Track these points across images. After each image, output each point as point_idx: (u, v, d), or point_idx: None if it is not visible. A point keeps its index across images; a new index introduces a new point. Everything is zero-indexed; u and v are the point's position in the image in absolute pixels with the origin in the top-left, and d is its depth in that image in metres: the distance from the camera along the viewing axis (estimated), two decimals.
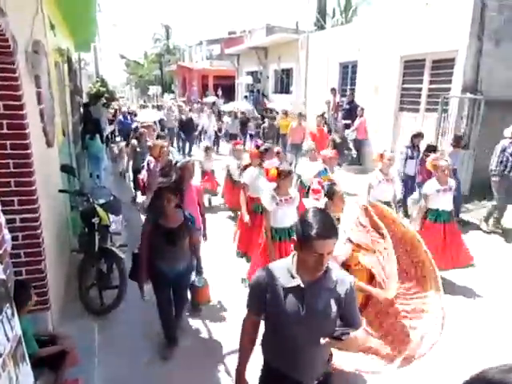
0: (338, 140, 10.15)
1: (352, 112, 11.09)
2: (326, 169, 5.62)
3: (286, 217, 4.06)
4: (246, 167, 5.67)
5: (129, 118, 14.95)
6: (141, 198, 7.47)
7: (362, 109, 10.65)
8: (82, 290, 4.14)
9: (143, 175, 6.52)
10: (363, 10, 24.11)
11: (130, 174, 8.63)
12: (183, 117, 13.39)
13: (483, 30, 7.72)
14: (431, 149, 6.68)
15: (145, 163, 6.52)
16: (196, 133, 14.30)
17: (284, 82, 16.19)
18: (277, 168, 4.14)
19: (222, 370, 3.43)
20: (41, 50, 3.81)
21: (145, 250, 3.39)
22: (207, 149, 7.95)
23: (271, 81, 17.10)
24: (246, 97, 18.73)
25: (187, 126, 13.11)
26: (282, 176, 4.02)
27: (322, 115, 12.05)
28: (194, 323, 4.11)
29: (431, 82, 9.00)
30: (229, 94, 22.03)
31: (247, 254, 5.12)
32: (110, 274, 4.29)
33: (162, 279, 3.44)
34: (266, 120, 14.18)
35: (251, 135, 14.39)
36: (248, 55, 18.41)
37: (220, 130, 14.75)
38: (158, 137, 8.24)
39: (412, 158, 7.19)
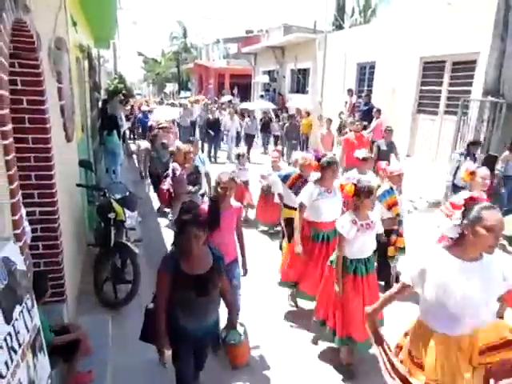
0: (384, 147, 8.05)
1: (369, 113, 10.97)
2: (391, 188, 4.56)
3: (364, 246, 3.34)
4: (295, 180, 4.73)
5: (149, 116, 14.40)
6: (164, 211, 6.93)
7: (379, 110, 10.53)
8: (97, 283, 4.20)
9: (168, 185, 5.80)
10: (382, 10, 23.81)
11: (149, 183, 7.95)
12: (210, 116, 12.79)
13: (507, 32, 7.53)
14: (492, 159, 6.14)
15: (169, 171, 5.79)
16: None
17: (300, 82, 16.12)
18: (355, 184, 3.33)
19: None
20: (63, 46, 3.87)
21: (164, 309, 2.58)
22: (240, 156, 7.12)
23: (288, 80, 17.04)
24: (261, 96, 18.72)
25: (213, 127, 12.49)
26: (363, 195, 3.24)
27: (339, 115, 12.03)
28: None
29: (451, 85, 8.85)
30: (245, 92, 22.05)
31: (297, 283, 4.21)
32: (125, 268, 4.35)
33: (187, 342, 2.68)
34: (282, 118, 13.99)
35: (275, 136, 14.09)
36: (265, 54, 18.39)
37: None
38: (188, 142, 6.97)
39: None
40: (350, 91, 12.03)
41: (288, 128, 11.78)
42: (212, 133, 12.49)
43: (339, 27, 18.32)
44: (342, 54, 12.63)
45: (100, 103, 11.02)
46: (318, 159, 4.12)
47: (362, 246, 3.32)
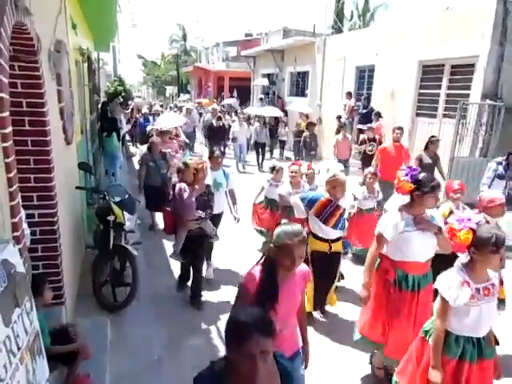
0: (428, 160, 6.68)
1: (368, 116, 11.00)
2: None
3: (481, 320, 2.31)
4: (322, 207, 3.78)
5: (151, 120, 13.38)
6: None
7: (378, 113, 10.56)
8: (96, 286, 4.19)
9: (173, 207, 4.41)
10: (381, 14, 23.94)
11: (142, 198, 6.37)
12: (214, 122, 12.05)
13: (505, 36, 7.58)
14: None
15: (175, 190, 4.29)
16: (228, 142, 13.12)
17: (300, 85, 16.16)
18: (473, 230, 2.24)
19: None
20: (62, 49, 3.88)
21: None
22: (276, 170, 5.75)
23: (287, 83, 17.08)
24: (261, 99, 18.74)
25: (217, 134, 11.69)
26: (487, 249, 2.18)
27: (338, 118, 12.05)
28: (205, 323, 4.12)
29: (450, 88, 8.88)
30: (244, 96, 22.08)
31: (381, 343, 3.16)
32: (124, 271, 4.34)
33: None
34: (284, 124, 13.61)
35: (281, 142, 13.59)
36: (264, 57, 18.44)
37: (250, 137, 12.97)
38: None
39: (502, 177, 6.00)
40: (348, 94, 12.06)
41: (307, 137, 10.52)
42: (208, 142, 11.82)
43: (338, 31, 18.39)
44: (341, 58, 12.67)
45: (99, 106, 11.03)
46: (415, 180, 2.92)
47: (478, 319, 2.30)
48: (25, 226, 2.38)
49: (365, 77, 12.07)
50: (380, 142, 8.72)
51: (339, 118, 12.10)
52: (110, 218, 4.18)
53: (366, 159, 8.67)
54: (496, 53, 7.66)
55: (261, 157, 12.51)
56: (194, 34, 37.26)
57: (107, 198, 4.41)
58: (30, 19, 2.57)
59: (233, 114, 15.43)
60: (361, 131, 11.26)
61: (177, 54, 37.55)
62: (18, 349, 1.48)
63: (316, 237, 3.90)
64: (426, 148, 6.84)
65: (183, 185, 4.25)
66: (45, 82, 2.99)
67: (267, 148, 13.39)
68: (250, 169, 12.36)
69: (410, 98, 9.85)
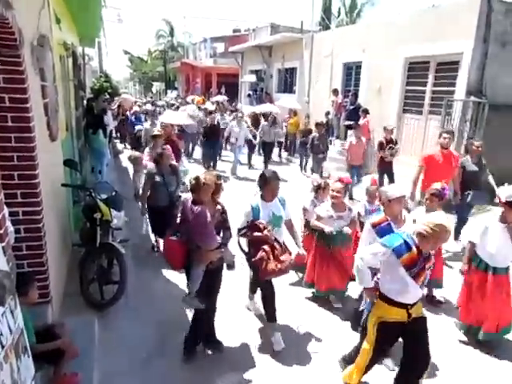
0: (473, 167, 5.94)
1: (355, 113, 11.07)
2: None
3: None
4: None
5: (143, 119, 12.47)
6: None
7: (365, 110, 10.63)
8: (83, 284, 4.15)
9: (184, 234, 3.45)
10: (367, 11, 24.08)
11: (146, 219, 5.66)
12: (208, 120, 10.84)
13: (489, 33, 7.70)
14: None
15: (189, 212, 3.33)
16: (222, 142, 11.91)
17: (288, 81, 16.17)
18: None
19: (222, 366, 3.44)
20: (46, 43, 3.81)
21: None
22: (321, 188, 4.66)
23: (275, 80, 17.08)
24: (249, 95, 18.72)
25: (212, 133, 10.45)
26: None
27: (326, 115, 12.10)
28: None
29: (435, 85, 8.98)
30: (232, 92, 22.01)
31: None
32: (111, 268, 4.30)
33: None
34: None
35: (279, 143, 12.49)
36: (252, 54, 18.40)
37: (254, 137, 11.15)
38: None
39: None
40: (335, 91, 12.12)
41: (315, 138, 9.45)
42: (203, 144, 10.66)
43: (326, 27, 18.44)
44: (328, 54, 12.71)
45: (85, 102, 10.88)
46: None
47: None
48: (8, 223, 2.34)
49: (352, 73, 12.14)
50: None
51: (327, 114, 12.17)
52: (97, 215, 4.14)
53: (384, 167, 7.88)
54: (480, 50, 7.77)
55: (265, 159, 11.14)
56: (181, 29, 36.88)
57: (93, 195, 4.36)
58: (12, 13, 2.52)
59: (227, 113, 14.22)
60: (348, 127, 11.35)
61: (164, 49, 37.18)
62: (2, 347, 1.45)
63: (389, 301, 2.80)
64: (467, 151, 6.30)
65: (202, 209, 3.26)
66: (28, 76, 2.94)
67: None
68: (251, 173, 10.57)
69: (397, 95, 9.94)
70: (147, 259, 5.42)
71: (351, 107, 11.39)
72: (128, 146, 12.24)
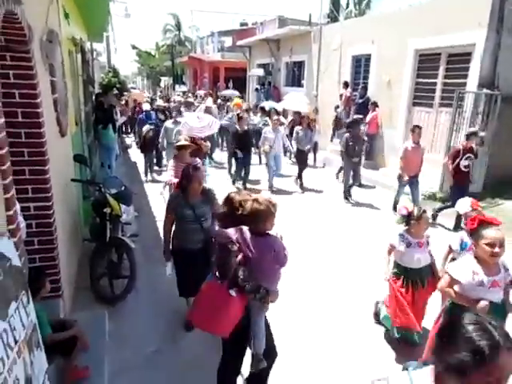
0: None
1: (364, 106, 10.96)
2: None
3: None
4: None
5: (153, 116, 10.76)
6: None
7: (374, 103, 10.52)
8: (93, 278, 4.18)
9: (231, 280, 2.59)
10: (377, 3, 23.75)
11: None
12: (237, 127, 8.83)
13: (502, 24, 7.53)
14: None
15: (245, 244, 2.54)
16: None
17: (296, 75, 16.05)
18: None
19: None
20: (55, 39, 3.82)
21: None
22: (416, 219, 3.48)
23: (283, 73, 16.96)
24: (256, 89, 18.63)
25: (245, 144, 8.62)
26: None
27: (336, 108, 11.99)
28: None
29: (446, 77, 8.83)
30: (240, 86, 21.94)
31: None
32: (121, 263, 4.33)
33: None
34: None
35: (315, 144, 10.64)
36: (260, 47, 18.27)
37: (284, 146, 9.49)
38: None
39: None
40: (345, 84, 11.99)
41: (349, 139, 7.86)
42: (240, 154, 8.60)
43: (334, 20, 18.23)
44: (337, 47, 12.57)
45: (94, 97, 10.92)
46: None
47: None
48: (20, 218, 2.36)
49: (361, 66, 11.99)
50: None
51: (337, 107, 12.06)
52: (107, 210, 4.17)
53: (460, 179, 6.30)
54: (493, 41, 7.61)
55: (299, 171, 9.20)
56: (188, 23, 36.85)
57: (103, 190, 4.38)
58: (21, 8, 2.52)
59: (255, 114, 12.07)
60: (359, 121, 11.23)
61: (171, 44, 37.14)
62: (16, 342, 1.47)
63: None
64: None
65: (270, 238, 2.57)
66: (37, 72, 2.95)
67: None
68: (284, 185, 9.30)
69: (407, 87, 9.80)
70: (157, 253, 5.44)
71: (360, 101, 11.27)
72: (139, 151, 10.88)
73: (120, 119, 11.39)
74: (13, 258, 1.61)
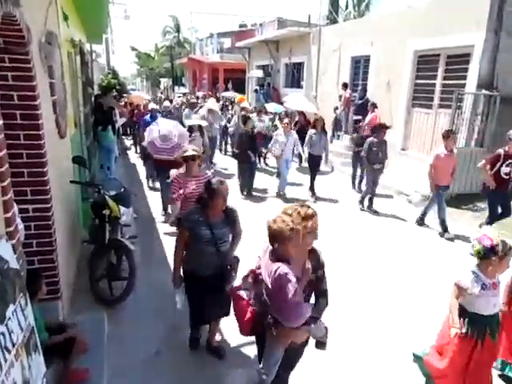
0: None
1: (364, 107, 10.97)
2: None
3: None
4: None
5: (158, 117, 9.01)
6: None
7: (374, 104, 10.53)
8: (93, 280, 4.17)
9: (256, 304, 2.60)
10: (376, 4, 23.80)
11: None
12: (245, 128, 8.40)
13: (501, 25, 7.55)
14: None
15: (266, 269, 2.40)
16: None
17: (295, 76, 16.07)
18: None
19: (231, 362, 3.44)
20: (54, 40, 3.82)
21: None
22: (498, 255, 2.72)
23: (282, 75, 16.98)
24: (256, 90, 18.64)
25: (251, 147, 8.19)
26: None
27: (335, 110, 12.00)
28: None
29: (445, 78, 8.84)
30: (239, 87, 21.96)
31: None
32: (120, 265, 4.32)
33: None
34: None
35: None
36: (259, 49, 18.30)
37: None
38: None
39: None
40: (344, 85, 12.00)
41: (374, 144, 7.26)
42: (252, 157, 8.16)
43: (333, 21, 18.25)
44: (336, 48, 12.59)
45: (93, 99, 10.92)
46: None
47: None
48: (18, 220, 2.35)
49: (360, 67, 12.01)
50: None
51: (336, 109, 12.08)
52: (106, 212, 4.16)
53: (499, 186, 5.86)
54: (491, 42, 7.63)
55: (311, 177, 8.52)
56: (187, 25, 36.92)
57: (102, 191, 4.38)
58: (20, 10, 2.51)
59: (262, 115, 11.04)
60: (357, 121, 11.26)
61: (170, 45, 37.18)
62: (13, 345, 1.46)
63: None
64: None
65: (284, 268, 2.23)
66: (36, 74, 2.94)
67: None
68: (295, 193, 8.59)
69: (406, 88, 9.81)
70: (156, 255, 5.44)
71: (359, 102, 11.28)
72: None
73: (119, 121, 11.37)
74: (10, 261, 1.61)
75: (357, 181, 8.83)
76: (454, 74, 8.57)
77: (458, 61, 8.40)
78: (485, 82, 7.82)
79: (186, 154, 4.52)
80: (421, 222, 6.85)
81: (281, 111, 12.46)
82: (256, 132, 8.88)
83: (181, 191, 4.28)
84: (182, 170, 4.68)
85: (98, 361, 2.97)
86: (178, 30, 41.53)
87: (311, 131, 8.39)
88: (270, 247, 2.32)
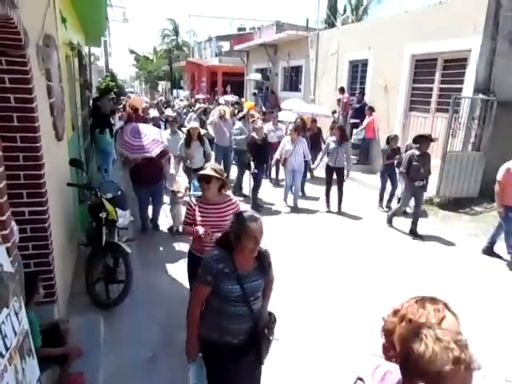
0: None
1: (361, 111, 11.00)
2: None
3: None
4: None
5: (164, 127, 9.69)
6: None
7: (371, 108, 10.56)
8: (89, 283, 4.16)
9: None
10: (374, 8, 23.93)
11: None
12: (255, 135, 7.55)
13: (497, 30, 7.60)
14: None
15: None
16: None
17: (293, 80, 16.11)
18: None
19: None
20: (52, 43, 3.82)
21: None
22: None
23: (280, 78, 17.03)
24: (254, 94, 18.68)
25: (262, 157, 7.63)
26: None
27: (333, 113, 12.01)
28: None
29: (442, 82, 8.89)
30: (238, 90, 22.00)
31: None
32: (117, 268, 4.30)
33: None
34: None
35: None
36: (257, 52, 18.35)
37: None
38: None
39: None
40: (341, 89, 12.04)
41: (415, 157, 6.27)
42: (254, 168, 7.46)
43: (331, 25, 18.34)
44: (334, 52, 12.63)
45: (91, 101, 10.92)
46: None
47: None
48: (13, 223, 2.34)
49: (358, 71, 12.06)
50: None
51: (334, 112, 12.11)
52: (103, 214, 4.14)
53: None
54: (488, 47, 7.67)
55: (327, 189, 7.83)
56: (185, 28, 37.04)
57: (99, 194, 4.36)
58: (17, 12, 2.51)
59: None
60: (355, 125, 11.29)
61: (169, 48, 37.26)
62: (7, 349, 1.45)
63: None
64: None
65: None
66: (33, 77, 2.94)
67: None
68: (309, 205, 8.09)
69: (404, 93, 9.86)
70: (153, 258, 5.43)
71: (357, 105, 11.32)
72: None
73: (117, 123, 11.36)
74: (4, 264, 1.60)
75: (385, 198, 7.96)
76: (451, 78, 8.61)
77: (455, 65, 8.44)
78: (481, 86, 7.87)
79: (204, 172, 3.31)
80: (489, 251, 5.75)
81: (296, 118, 10.88)
82: (271, 142, 8.27)
83: (201, 231, 3.14)
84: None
85: (93, 364, 2.96)
86: (176, 33, 41.66)
87: (330, 138, 7.73)
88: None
